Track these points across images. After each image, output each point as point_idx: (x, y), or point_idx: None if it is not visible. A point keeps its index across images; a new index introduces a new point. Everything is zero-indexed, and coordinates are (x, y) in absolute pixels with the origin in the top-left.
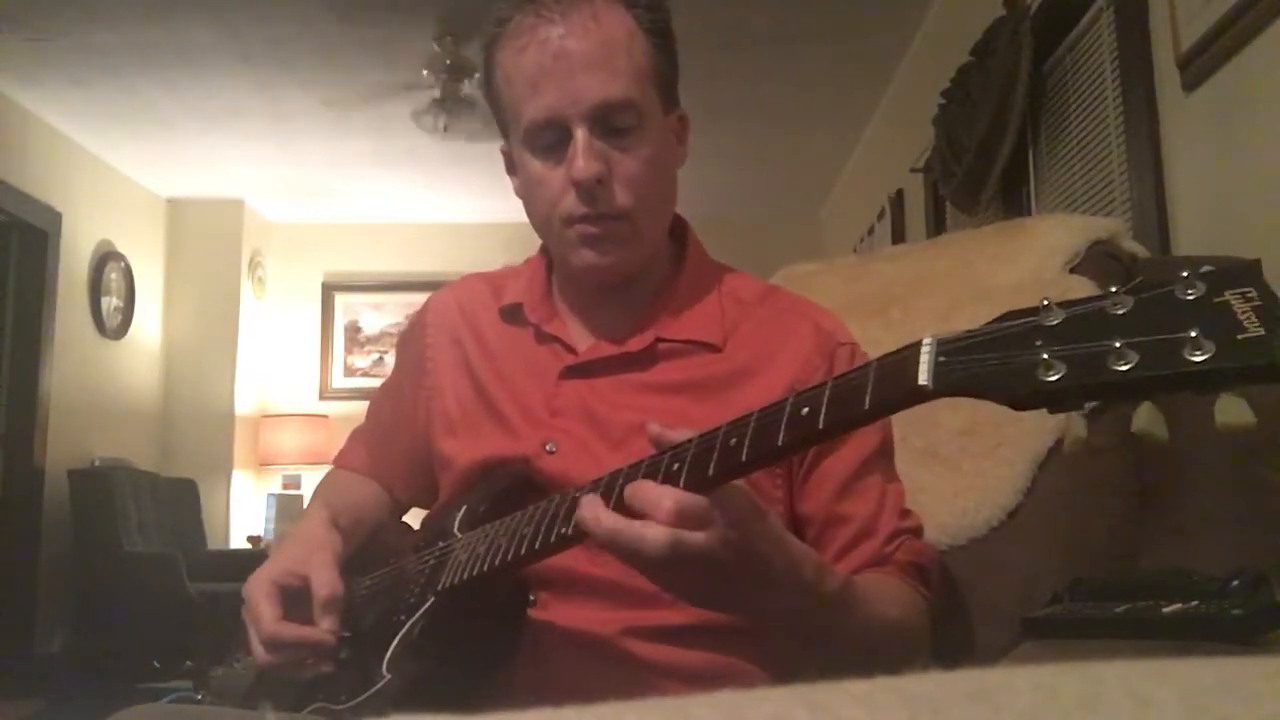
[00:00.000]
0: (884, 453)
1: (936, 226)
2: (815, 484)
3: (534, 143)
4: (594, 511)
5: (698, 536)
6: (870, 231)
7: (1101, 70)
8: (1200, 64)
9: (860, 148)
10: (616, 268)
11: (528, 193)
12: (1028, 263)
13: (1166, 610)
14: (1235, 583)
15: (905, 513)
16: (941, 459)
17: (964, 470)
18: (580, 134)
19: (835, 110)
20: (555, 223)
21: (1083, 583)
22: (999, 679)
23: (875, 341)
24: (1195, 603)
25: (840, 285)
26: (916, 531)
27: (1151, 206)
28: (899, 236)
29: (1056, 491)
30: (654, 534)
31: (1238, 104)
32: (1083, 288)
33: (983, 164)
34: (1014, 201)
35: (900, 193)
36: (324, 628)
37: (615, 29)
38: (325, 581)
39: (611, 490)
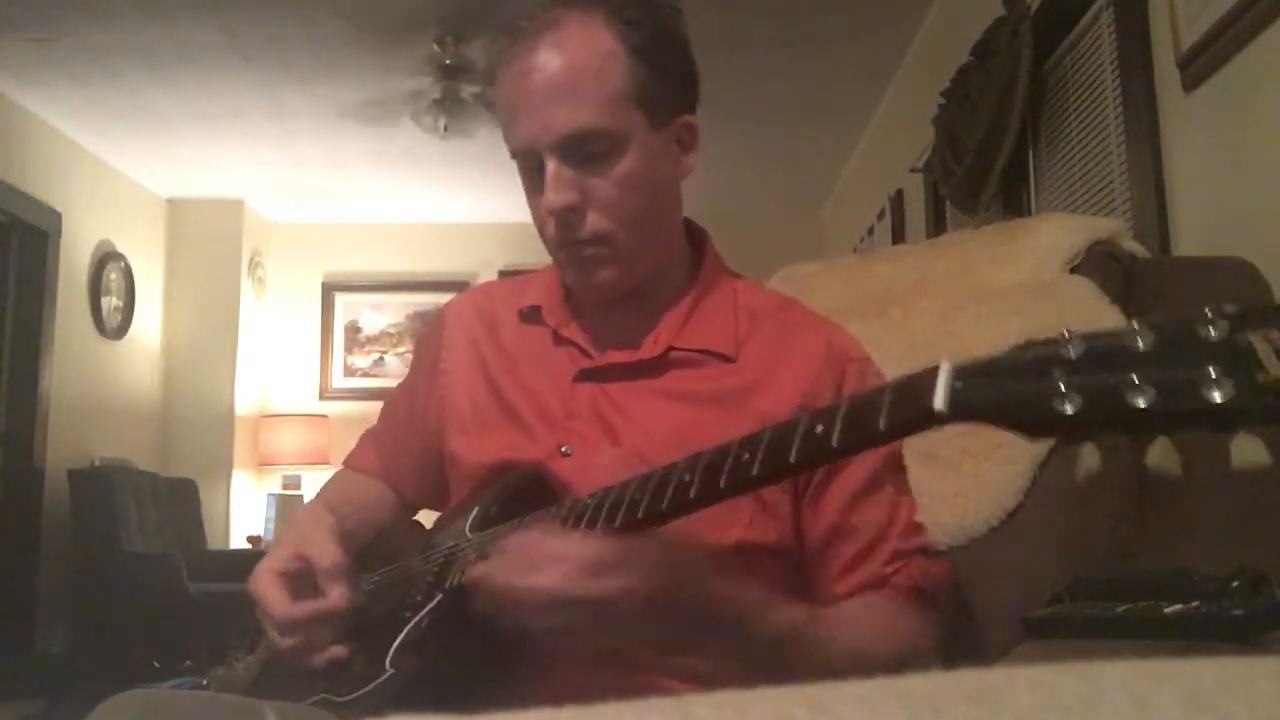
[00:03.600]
0: (892, 469)
1: (936, 226)
2: (821, 501)
3: (520, 169)
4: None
5: (600, 583)
6: (870, 231)
7: (1101, 70)
8: (1200, 64)
9: (860, 148)
10: (606, 287)
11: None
12: (1028, 263)
13: (1167, 610)
14: (1235, 583)
15: (913, 529)
16: (941, 459)
17: (964, 470)
18: (550, 165)
19: (835, 110)
20: (547, 244)
21: (1083, 583)
22: (999, 679)
23: (876, 342)
24: (1195, 603)
25: (840, 285)
26: (924, 550)
27: (1151, 206)
28: (899, 236)
29: (1056, 491)
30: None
31: (1238, 104)
32: (1083, 287)
33: (983, 164)
34: (1014, 201)
35: (900, 193)
36: (334, 595)
37: (585, 54)
38: (326, 553)
39: (619, 505)
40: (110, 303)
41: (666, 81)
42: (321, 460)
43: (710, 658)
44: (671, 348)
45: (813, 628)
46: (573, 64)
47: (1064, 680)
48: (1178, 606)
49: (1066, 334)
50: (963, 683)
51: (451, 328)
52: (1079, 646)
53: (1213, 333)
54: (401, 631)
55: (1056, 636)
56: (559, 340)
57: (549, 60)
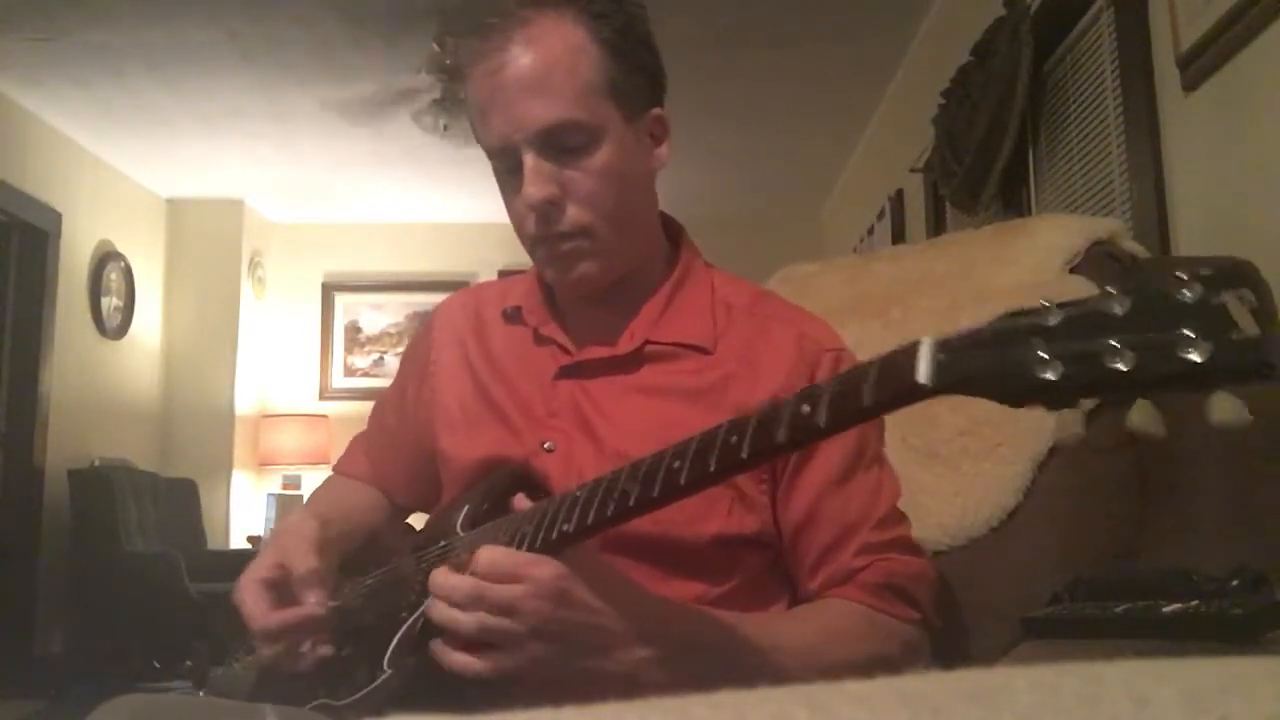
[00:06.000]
0: (868, 461)
1: (936, 226)
2: (792, 494)
3: (496, 167)
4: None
5: (506, 589)
6: (870, 231)
7: (1101, 70)
8: (1200, 64)
9: (860, 148)
10: (586, 281)
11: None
12: (1028, 263)
13: (1166, 610)
14: (1235, 583)
15: (890, 522)
16: (941, 459)
17: (964, 470)
18: (528, 159)
19: (835, 110)
20: (525, 242)
21: (1083, 583)
22: (999, 679)
23: (876, 341)
24: (1195, 603)
25: (840, 285)
26: (900, 544)
27: (1151, 206)
28: (899, 236)
29: (1056, 491)
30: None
31: (1238, 104)
32: (1082, 288)
33: (983, 164)
34: (1014, 201)
35: (900, 193)
36: (310, 601)
37: (556, 48)
38: (301, 560)
39: (611, 493)
40: (110, 303)
41: (637, 74)
42: (321, 460)
43: (639, 671)
44: (648, 342)
45: (742, 633)
46: (545, 58)
47: (1064, 680)
48: (1177, 606)
49: (1046, 303)
50: (963, 683)
51: (440, 329)
52: (1079, 646)
53: (1188, 295)
54: (398, 632)
55: (1056, 636)
56: (539, 339)
57: (521, 55)
